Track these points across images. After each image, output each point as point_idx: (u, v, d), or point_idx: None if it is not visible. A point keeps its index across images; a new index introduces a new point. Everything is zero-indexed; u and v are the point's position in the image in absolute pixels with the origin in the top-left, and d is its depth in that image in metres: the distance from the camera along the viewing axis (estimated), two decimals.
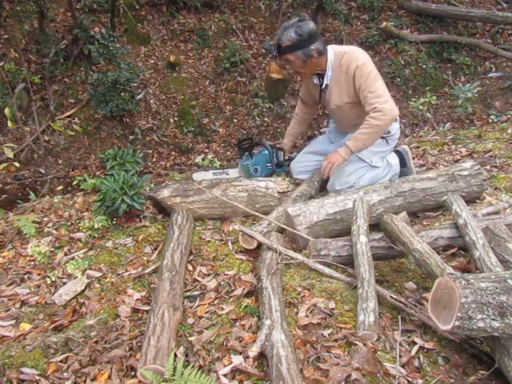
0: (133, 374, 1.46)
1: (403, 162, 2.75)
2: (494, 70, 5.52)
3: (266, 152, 2.98)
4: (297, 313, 1.68)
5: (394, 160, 2.73)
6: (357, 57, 2.50)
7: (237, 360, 1.44)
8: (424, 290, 1.82)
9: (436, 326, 1.35)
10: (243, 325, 1.65)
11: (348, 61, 2.49)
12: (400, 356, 1.46)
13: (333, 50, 2.57)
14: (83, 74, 5.07)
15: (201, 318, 1.71)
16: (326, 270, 1.90)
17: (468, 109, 4.42)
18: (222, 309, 1.75)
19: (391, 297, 1.68)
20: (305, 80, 2.80)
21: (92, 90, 4.64)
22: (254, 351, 1.43)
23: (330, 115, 2.93)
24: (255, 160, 2.95)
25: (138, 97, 5.02)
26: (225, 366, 1.44)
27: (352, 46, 2.70)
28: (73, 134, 4.47)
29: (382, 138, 2.65)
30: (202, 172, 2.97)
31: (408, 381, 1.39)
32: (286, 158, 3.10)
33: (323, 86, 2.63)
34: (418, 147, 3.52)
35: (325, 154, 2.92)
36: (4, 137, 4.65)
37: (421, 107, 4.30)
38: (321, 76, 2.62)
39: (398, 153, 2.78)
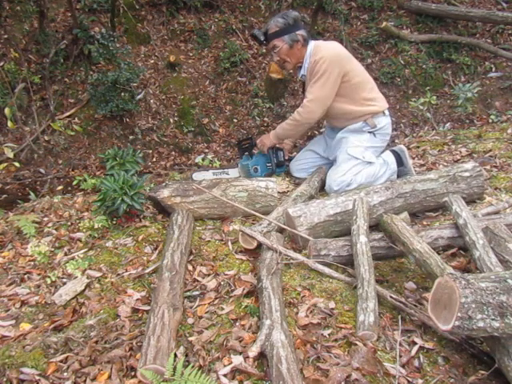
0: (133, 374, 1.46)
1: (400, 161, 2.78)
2: (493, 70, 5.51)
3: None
4: (297, 313, 1.68)
5: (390, 158, 2.76)
6: (322, 51, 2.58)
7: (237, 360, 1.44)
8: (424, 289, 1.82)
9: (436, 326, 1.35)
10: (243, 325, 1.65)
11: (316, 51, 2.59)
12: (400, 356, 1.46)
13: (314, 43, 2.66)
14: (83, 73, 5.07)
15: (201, 318, 1.71)
16: (326, 270, 1.90)
17: (468, 109, 4.42)
18: (222, 309, 1.75)
19: (391, 297, 1.68)
20: (290, 70, 2.89)
21: (92, 90, 4.63)
22: (253, 351, 1.43)
23: None
24: (255, 160, 2.96)
25: (138, 97, 5.01)
26: (225, 365, 1.44)
27: (332, 42, 2.78)
28: (73, 134, 4.47)
29: (369, 132, 2.71)
30: (202, 172, 2.97)
31: (408, 381, 1.39)
32: (287, 157, 3.11)
33: (300, 76, 2.71)
34: (418, 147, 3.52)
35: (322, 153, 2.96)
36: (4, 137, 4.65)
37: (421, 107, 4.30)
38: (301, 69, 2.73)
39: (394, 152, 2.80)
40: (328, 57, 2.54)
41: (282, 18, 2.60)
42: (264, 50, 5.68)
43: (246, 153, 3.00)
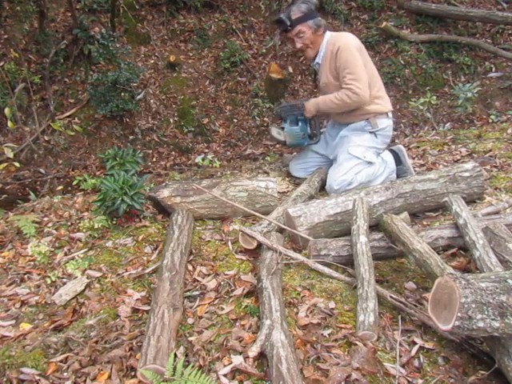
0: (133, 374, 1.46)
1: (398, 160, 2.81)
2: (494, 70, 5.51)
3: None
4: (297, 313, 1.68)
5: (389, 157, 2.79)
6: (344, 36, 2.60)
7: (237, 360, 1.44)
8: (424, 289, 1.82)
9: (436, 325, 1.35)
10: (243, 325, 1.65)
11: (335, 39, 2.60)
12: (400, 356, 1.46)
13: (330, 33, 2.69)
14: (83, 73, 5.07)
15: (201, 318, 1.71)
16: (326, 270, 1.90)
17: (468, 109, 4.42)
18: (222, 309, 1.75)
19: (391, 297, 1.68)
20: (309, 60, 2.86)
21: (92, 90, 4.63)
22: (253, 351, 1.43)
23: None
24: (302, 126, 2.88)
25: (138, 97, 5.01)
26: (225, 366, 1.44)
27: (349, 33, 2.78)
28: (73, 134, 4.47)
29: (371, 132, 2.72)
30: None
31: (408, 381, 1.39)
32: (322, 130, 3.06)
33: (315, 64, 2.72)
34: (418, 147, 3.52)
35: (323, 152, 2.97)
36: (4, 137, 4.65)
37: (421, 107, 4.30)
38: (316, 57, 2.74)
39: (393, 151, 2.83)
40: (352, 42, 2.58)
41: (304, 3, 2.59)
42: (264, 50, 5.69)
43: (290, 118, 2.88)
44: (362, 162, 2.66)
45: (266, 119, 5.17)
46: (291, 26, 2.63)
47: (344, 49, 2.54)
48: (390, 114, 2.80)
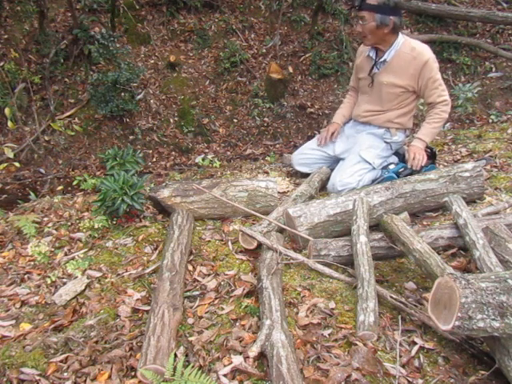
0: (133, 374, 1.46)
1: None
2: (494, 70, 5.51)
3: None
4: (297, 313, 1.68)
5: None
6: (428, 50, 2.60)
7: (237, 360, 1.44)
8: (424, 289, 1.82)
9: (436, 326, 1.35)
10: (243, 325, 1.65)
11: (421, 49, 2.57)
12: (400, 356, 1.46)
13: (405, 37, 2.65)
14: (83, 73, 5.07)
15: (201, 318, 1.71)
16: (326, 270, 1.90)
17: (468, 109, 4.42)
18: (222, 309, 1.75)
19: (391, 297, 1.68)
20: (368, 45, 2.75)
21: (92, 90, 4.63)
22: (254, 351, 1.43)
23: (363, 92, 2.89)
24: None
25: (138, 97, 5.01)
26: (225, 365, 1.44)
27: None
28: (73, 134, 4.47)
29: (387, 143, 2.73)
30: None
31: (408, 381, 1.39)
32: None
33: (381, 59, 2.66)
34: None
35: (326, 150, 2.95)
36: (4, 137, 4.65)
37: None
38: (378, 51, 2.68)
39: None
40: (434, 56, 2.59)
41: None
42: (264, 50, 5.69)
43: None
44: (368, 168, 2.67)
45: (266, 119, 5.17)
46: (360, 6, 2.56)
47: (432, 62, 2.54)
48: (409, 132, 2.85)
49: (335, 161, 2.90)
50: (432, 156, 2.72)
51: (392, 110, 2.70)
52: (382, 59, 2.65)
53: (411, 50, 2.56)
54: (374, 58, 2.70)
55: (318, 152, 2.98)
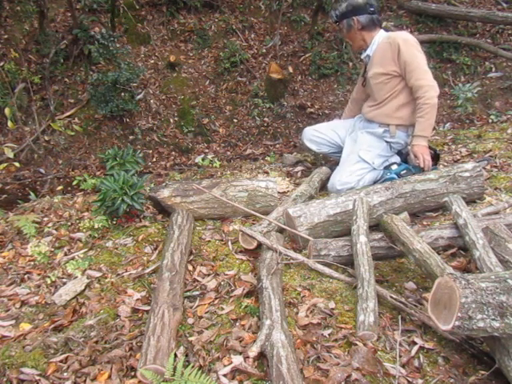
0: (133, 374, 1.46)
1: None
2: (494, 70, 5.51)
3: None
4: (297, 313, 1.68)
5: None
6: (404, 34, 2.64)
7: (237, 360, 1.44)
8: (424, 289, 1.82)
9: (436, 326, 1.35)
10: (243, 325, 1.65)
11: (395, 34, 2.62)
12: (400, 356, 1.46)
13: (388, 32, 2.71)
14: (83, 73, 5.07)
15: (201, 318, 1.71)
16: (326, 270, 1.90)
17: (468, 109, 4.42)
18: (222, 309, 1.75)
19: (391, 297, 1.68)
20: (356, 50, 2.97)
21: (92, 90, 4.63)
22: (254, 351, 1.43)
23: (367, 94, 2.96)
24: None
25: (138, 97, 5.01)
26: (225, 365, 1.44)
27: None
28: (73, 134, 4.47)
29: (387, 142, 2.71)
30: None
31: (408, 381, 1.39)
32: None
33: (364, 55, 2.75)
34: None
35: (339, 133, 2.99)
36: (4, 137, 4.65)
37: None
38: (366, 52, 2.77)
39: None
40: (412, 39, 2.58)
41: (346, 1, 2.70)
42: (264, 50, 5.69)
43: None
44: (368, 168, 2.66)
45: (266, 119, 5.16)
46: (335, 22, 2.80)
47: (406, 43, 2.52)
48: (410, 131, 2.70)
49: (341, 151, 2.91)
50: (435, 157, 2.70)
51: (387, 101, 2.67)
52: (367, 57, 2.75)
53: (387, 38, 2.61)
54: (365, 58, 2.80)
55: (331, 134, 2.99)
